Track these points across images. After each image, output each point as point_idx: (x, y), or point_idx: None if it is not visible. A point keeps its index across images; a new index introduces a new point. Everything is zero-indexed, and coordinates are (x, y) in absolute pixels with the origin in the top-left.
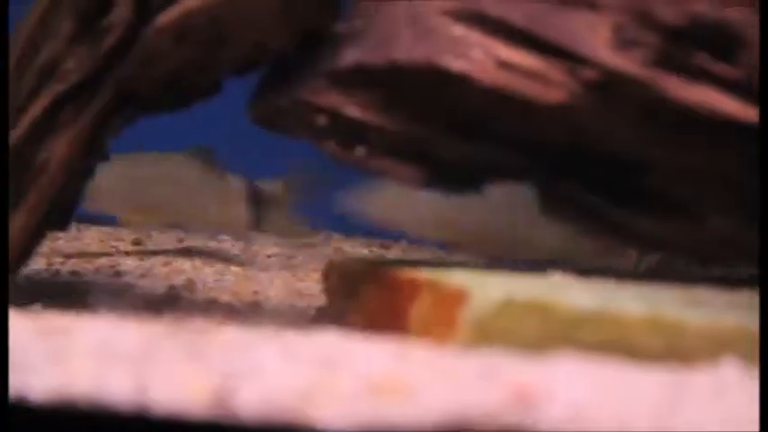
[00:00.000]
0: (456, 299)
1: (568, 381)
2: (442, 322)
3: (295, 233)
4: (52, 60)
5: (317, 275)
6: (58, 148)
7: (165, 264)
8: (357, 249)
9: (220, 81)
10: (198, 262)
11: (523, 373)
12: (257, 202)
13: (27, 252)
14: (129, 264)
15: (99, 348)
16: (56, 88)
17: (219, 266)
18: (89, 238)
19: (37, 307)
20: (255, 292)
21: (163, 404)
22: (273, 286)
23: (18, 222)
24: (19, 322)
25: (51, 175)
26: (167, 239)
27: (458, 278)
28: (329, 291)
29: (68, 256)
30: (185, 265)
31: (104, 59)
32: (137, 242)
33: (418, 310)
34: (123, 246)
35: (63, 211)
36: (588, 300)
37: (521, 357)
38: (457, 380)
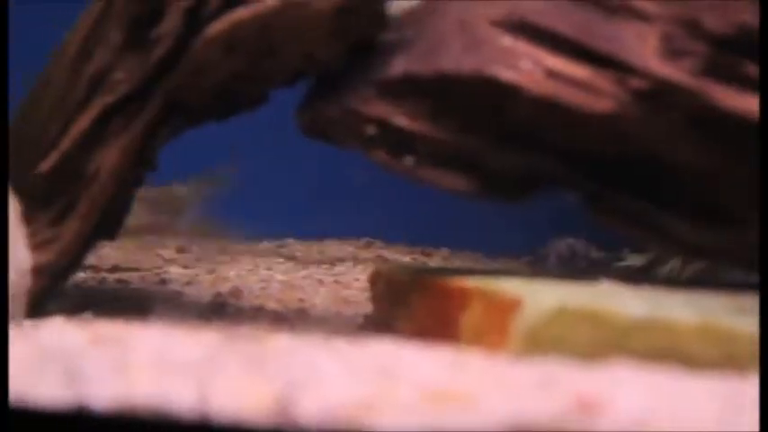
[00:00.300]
0: (509, 307)
1: (629, 389)
2: (494, 330)
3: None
4: (102, 70)
5: (359, 283)
6: (108, 158)
7: (210, 272)
8: (398, 257)
9: (267, 91)
10: (243, 270)
11: (583, 381)
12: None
13: (78, 260)
14: (173, 272)
15: (159, 357)
16: (105, 99)
17: (264, 273)
18: (133, 246)
19: (88, 315)
20: (301, 300)
21: (225, 413)
22: (319, 294)
23: (70, 231)
24: (73, 331)
25: (102, 184)
26: (210, 247)
27: (510, 286)
28: (376, 299)
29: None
30: (230, 272)
31: (154, 70)
32: (180, 250)
33: (469, 318)
34: (167, 254)
35: (112, 220)
36: (639, 307)
37: (579, 365)
38: (517, 388)
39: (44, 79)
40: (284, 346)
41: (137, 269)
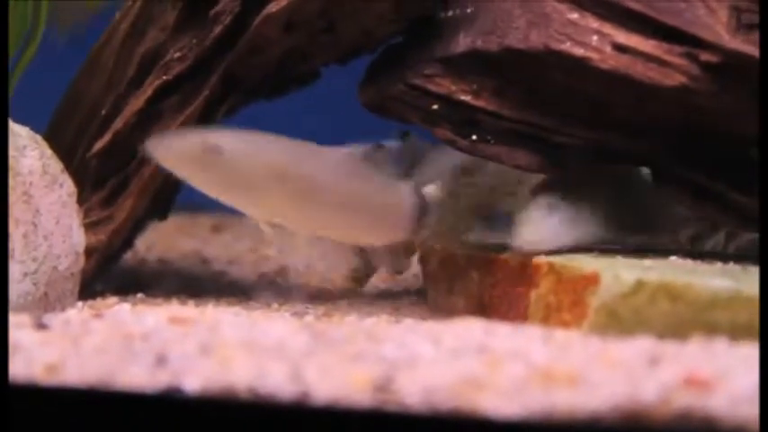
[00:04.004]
0: (586, 282)
1: (738, 365)
2: (569, 306)
3: None
4: (155, 50)
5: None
6: None
7: (252, 250)
8: None
9: (319, 69)
10: (284, 248)
11: (690, 358)
12: None
13: (130, 240)
14: (212, 251)
15: (245, 339)
16: (161, 78)
17: (306, 252)
18: (167, 224)
19: (140, 296)
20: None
21: (323, 393)
22: None
23: (123, 211)
24: (151, 313)
25: (156, 164)
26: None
27: (586, 262)
28: (428, 276)
29: None
30: (270, 251)
31: (211, 48)
32: (216, 229)
33: (540, 294)
34: (203, 233)
35: (165, 199)
36: (720, 282)
37: (679, 342)
38: (624, 366)
39: (92, 61)
40: (368, 327)
41: (174, 248)
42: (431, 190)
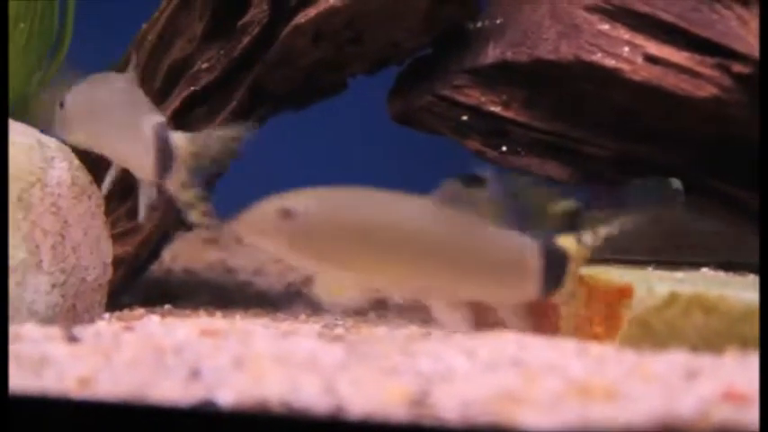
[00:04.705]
0: (619, 295)
1: None
2: (602, 318)
3: None
4: (182, 61)
5: None
6: None
7: (276, 261)
8: None
9: (347, 80)
10: None
11: (727, 371)
12: None
13: (156, 252)
14: (238, 261)
15: (277, 352)
16: (188, 89)
17: None
18: (191, 235)
19: (168, 307)
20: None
21: (358, 406)
22: None
23: (150, 222)
24: (182, 325)
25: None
26: None
27: (618, 274)
28: None
29: None
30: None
31: (239, 59)
32: (239, 240)
33: (572, 306)
34: (227, 242)
35: None
36: (753, 294)
37: (719, 356)
38: (661, 380)
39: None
40: (401, 339)
41: (200, 259)
42: None
